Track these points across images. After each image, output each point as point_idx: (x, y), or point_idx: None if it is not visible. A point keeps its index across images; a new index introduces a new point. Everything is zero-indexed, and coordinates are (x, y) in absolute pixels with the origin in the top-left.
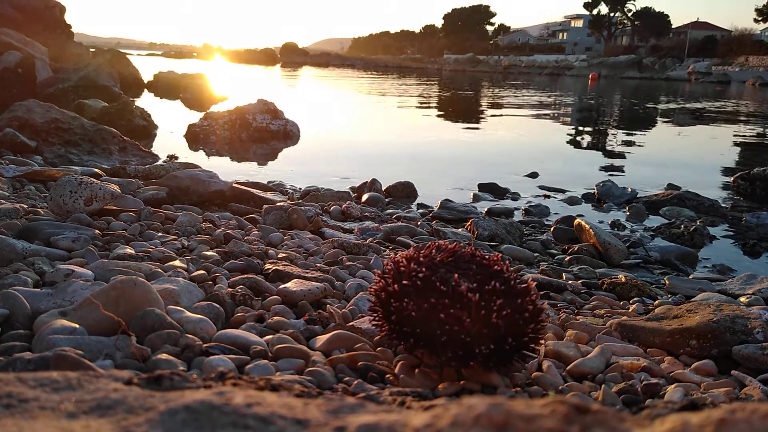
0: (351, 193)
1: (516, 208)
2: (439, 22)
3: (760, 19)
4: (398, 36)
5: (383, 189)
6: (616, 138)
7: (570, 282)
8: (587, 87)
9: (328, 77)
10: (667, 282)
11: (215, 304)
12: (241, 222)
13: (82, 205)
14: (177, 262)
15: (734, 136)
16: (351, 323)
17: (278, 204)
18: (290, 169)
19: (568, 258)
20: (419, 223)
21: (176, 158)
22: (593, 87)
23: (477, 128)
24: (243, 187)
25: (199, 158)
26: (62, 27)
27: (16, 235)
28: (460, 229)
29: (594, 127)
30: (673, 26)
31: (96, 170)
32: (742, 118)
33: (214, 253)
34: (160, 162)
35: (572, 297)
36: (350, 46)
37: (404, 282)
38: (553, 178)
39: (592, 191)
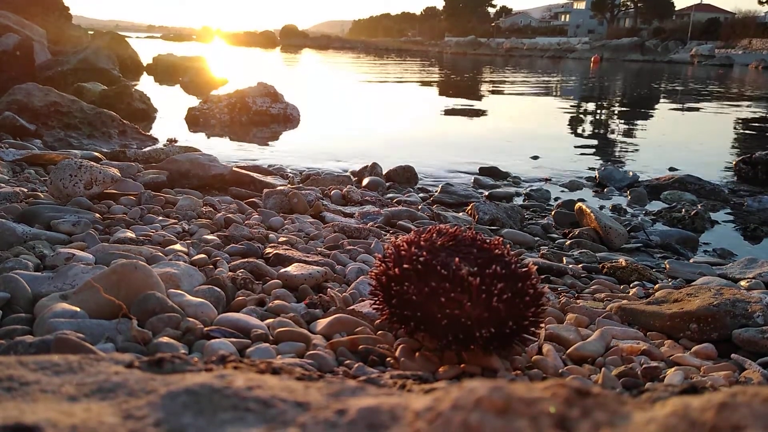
0: (351, 177)
1: (517, 192)
2: (440, 4)
3: (764, 1)
4: (399, 18)
5: (384, 173)
6: (617, 121)
7: (570, 266)
8: (589, 70)
9: (328, 60)
10: (667, 266)
11: (216, 288)
12: (241, 206)
13: (82, 188)
14: (178, 246)
15: (736, 120)
16: (352, 307)
17: (279, 188)
18: (290, 152)
19: (568, 242)
20: (420, 207)
21: (176, 142)
22: (595, 70)
23: (478, 112)
24: (243, 171)
25: (199, 142)
26: (60, 9)
27: (16, 218)
28: (460, 213)
29: (596, 110)
30: (676, 8)
31: (96, 154)
32: (745, 102)
33: (215, 237)
34: (159, 146)
35: (573, 281)
36: (350, 28)
37: (405, 266)
38: (554, 162)
39: (593, 175)
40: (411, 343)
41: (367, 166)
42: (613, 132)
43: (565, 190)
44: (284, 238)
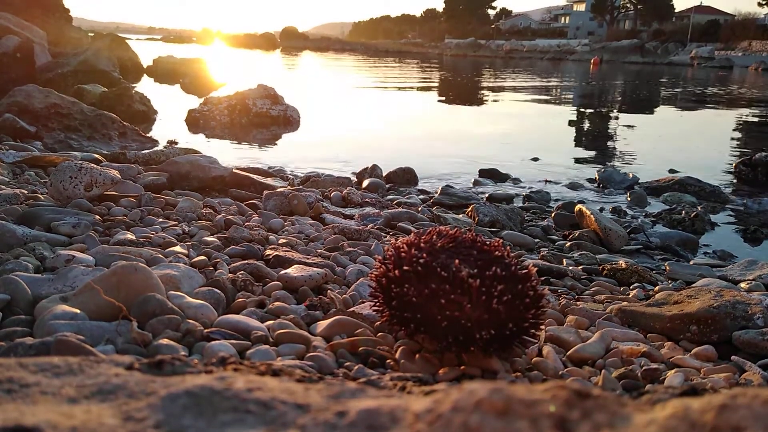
0: (351, 179)
1: (517, 194)
2: (440, 6)
3: (764, 3)
4: (399, 20)
5: (384, 175)
6: (617, 123)
7: (570, 268)
8: (589, 72)
9: (328, 62)
10: (667, 268)
11: (216, 290)
12: (241, 208)
13: (82, 190)
14: (178, 248)
15: (736, 121)
16: (352, 309)
17: (279, 190)
18: (290, 154)
19: (568, 244)
20: (420, 209)
21: (176, 144)
22: (595, 72)
23: (478, 113)
24: (243, 173)
25: (199, 143)
26: (61, 11)
27: (16, 220)
28: (460, 215)
29: (595, 112)
30: (676, 10)
31: (96, 156)
32: (744, 104)
33: (215, 239)
34: (159, 147)
35: (573, 283)
36: (350, 30)
37: (405, 268)
38: (554, 164)
39: (593, 177)
40: (411, 344)
41: (367, 167)
42: (613, 134)
43: (565, 191)
44: (284, 240)
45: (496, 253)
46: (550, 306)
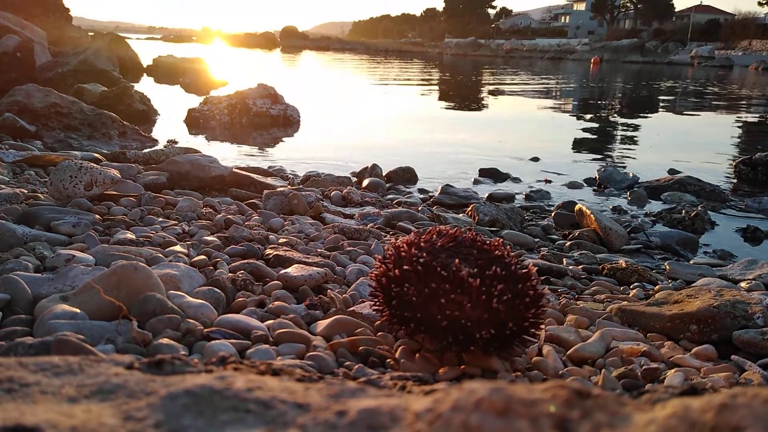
0: (351, 178)
1: (517, 193)
2: (440, 5)
3: (764, 2)
4: (399, 19)
5: (384, 174)
6: (617, 123)
7: (570, 267)
8: (589, 71)
9: (328, 62)
10: (667, 267)
11: (216, 289)
12: (241, 207)
13: (82, 190)
14: (178, 247)
15: (736, 121)
16: (352, 308)
17: (279, 189)
18: (290, 154)
19: (568, 243)
20: (420, 208)
21: (176, 143)
22: (595, 71)
23: (478, 113)
24: (243, 172)
25: (199, 143)
26: (61, 10)
27: (16, 220)
28: (461, 215)
29: (595, 112)
30: (676, 10)
31: (96, 155)
32: (744, 103)
33: (215, 238)
34: (159, 147)
35: (573, 282)
36: (350, 29)
37: (405, 267)
38: (554, 163)
39: (593, 176)
40: (411, 344)
41: (367, 167)
42: (613, 133)
43: (565, 191)
44: (284, 240)
45: (496, 252)
46: (550, 305)
